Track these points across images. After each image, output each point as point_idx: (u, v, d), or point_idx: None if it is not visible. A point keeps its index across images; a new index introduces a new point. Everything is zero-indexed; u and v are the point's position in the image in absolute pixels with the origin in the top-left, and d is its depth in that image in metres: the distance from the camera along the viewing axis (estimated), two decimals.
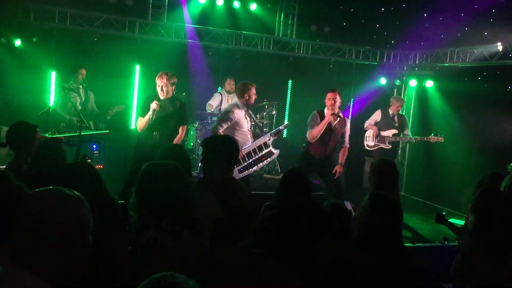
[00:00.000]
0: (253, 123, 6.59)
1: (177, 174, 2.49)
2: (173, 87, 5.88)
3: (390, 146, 8.03)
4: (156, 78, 5.80)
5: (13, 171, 2.99)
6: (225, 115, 6.07)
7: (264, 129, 8.76)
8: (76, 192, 1.63)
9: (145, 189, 2.44)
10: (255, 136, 6.67)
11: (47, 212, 1.53)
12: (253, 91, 6.25)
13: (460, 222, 7.16)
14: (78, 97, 7.51)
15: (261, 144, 6.42)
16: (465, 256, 2.96)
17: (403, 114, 8.87)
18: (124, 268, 2.30)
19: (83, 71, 7.55)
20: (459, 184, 8.70)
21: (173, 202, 2.38)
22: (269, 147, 6.48)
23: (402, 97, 10.21)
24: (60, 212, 1.55)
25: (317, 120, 6.45)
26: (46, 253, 1.52)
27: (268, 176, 8.58)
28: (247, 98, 6.17)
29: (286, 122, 7.25)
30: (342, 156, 6.54)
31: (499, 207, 3.03)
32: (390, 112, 8.14)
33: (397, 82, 9.92)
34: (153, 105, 5.64)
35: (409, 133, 8.24)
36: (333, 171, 6.34)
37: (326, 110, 6.44)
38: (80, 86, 7.54)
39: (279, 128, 6.68)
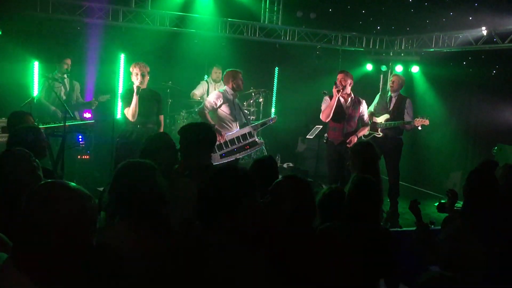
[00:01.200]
0: (239, 110, 6.61)
1: (151, 175, 2.42)
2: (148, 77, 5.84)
3: (381, 134, 7.04)
4: (134, 67, 5.73)
5: None
6: (213, 99, 6.19)
7: (252, 117, 8.77)
8: (82, 188, 1.58)
9: (117, 188, 2.38)
10: (240, 124, 6.70)
11: (51, 206, 1.48)
12: (240, 77, 6.35)
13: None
14: (62, 87, 7.41)
15: (245, 133, 6.46)
16: (450, 238, 2.99)
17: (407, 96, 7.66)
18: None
19: (68, 61, 7.44)
20: (445, 168, 8.81)
21: (142, 203, 2.32)
22: (254, 137, 6.54)
23: (389, 82, 10.22)
24: (64, 206, 1.50)
25: (328, 100, 6.51)
26: (43, 252, 1.47)
27: (251, 150, 8.54)
28: (234, 84, 6.28)
29: (273, 116, 7.29)
30: (360, 130, 6.57)
31: (487, 190, 3.07)
32: (389, 93, 7.20)
33: (383, 68, 9.94)
34: (137, 83, 5.62)
35: (412, 119, 7.02)
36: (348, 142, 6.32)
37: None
38: (65, 76, 7.43)
39: (265, 122, 6.79)
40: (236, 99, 6.46)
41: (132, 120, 5.69)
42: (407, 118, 7.02)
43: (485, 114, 8.24)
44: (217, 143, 6.35)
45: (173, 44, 8.86)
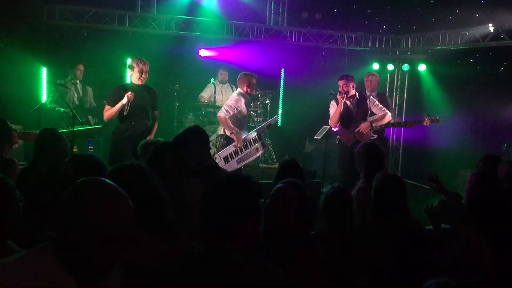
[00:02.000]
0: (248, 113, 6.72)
1: (145, 178, 2.33)
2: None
3: (376, 136, 6.54)
4: (137, 63, 5.73)
5: None
6: (234, 103, 6.28)
7: (259, 119, 8.79)
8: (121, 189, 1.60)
9: None
10: (247, 128, 6.84)
11: (104, 201, 1.51)
12: (254, 81, 6.46)
13: None
14: (75, 93, 7.51)
15: (255, 136, 6.53)
16: (457, 243, 2.97)
17: (384, 93, 8.13)
18: None
19: (81, 67, 7.57)
20: (454, 167, 8.74)
21: (139, 208, 2.27)
22: (262, 139, 6.60)
23: (395, 82, 10.21)
24: (116, 202, 1.53)
25: (334, 106, 6.56)
26: (85, 247, 1.49)
27: (264, 165, 8.58)
28: (249, 88, 6.38)
29: (275, 116, 7.38)
30: (377, 120, 6.50)
31: (494, 195, 3.04)
32: (367, 93, 7.04)
33: (390, 67, 9.89)
34: (129, 95, 5.55)
35: (395, 114, 7.38)
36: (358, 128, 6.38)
37: None
38: (78, 81, 7.53)
39: (270, 122, 6.86)
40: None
41: (105, 120, 5.78)
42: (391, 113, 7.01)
43: (493, 111, 8.17)
44: (234, 148, 6.41)
45: (179, 48, 8.89)
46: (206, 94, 8.63)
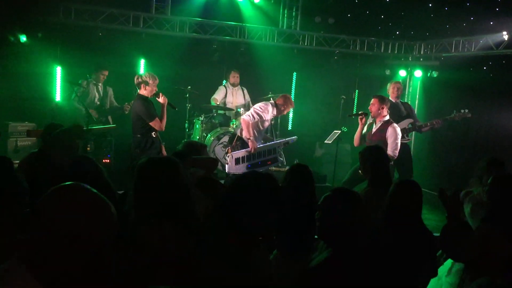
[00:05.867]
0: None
1: (176, 170, 2.42)
2: None
3: (409, 139, 7.21)
4: (152, 79, 5.93)
5: None
6: (262, 111, 6.48)
7: (276, 132, 8.88)
8: (101, 195, 1.52)
9: (143, 185, 2.37)
10: (265, 139, 6.97)
11: (74, 207, 1.42)
12: (290, 108, 6.90)
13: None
14: (96, 93, 7.64)
15: (272, 149, 6.66)
16: (478, 243, 2.96)
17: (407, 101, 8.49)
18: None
19: (106, 73, 7.70)
20: (466, 175, 8.67)
21: (171, 200, 2.32)
22: (276, 153, 6.69)
23: (407, 88, 10.18)
24: (82, 209, 1.43)
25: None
26: (54, 254, 1.40)
27: (274, 168, 8.59)
28: (282, 109, 6.72)
29: (295, 137, 7.50)
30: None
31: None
32: (393, 101, 7.21)
33: (402, 73, 9.87)
34: (161, 99, 5.88)
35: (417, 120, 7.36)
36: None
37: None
38: (99, 83, 7.68)
39: (288, 141, 7.04)
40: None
41: (164, 129, 6.00)
42: (415, 119, 7.32)
43: (506, 120, 8.12)
44: (247, 154, 6.48)
45: (192, 50, 8.95)
46: (218, 97, 8.68)
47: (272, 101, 6.79)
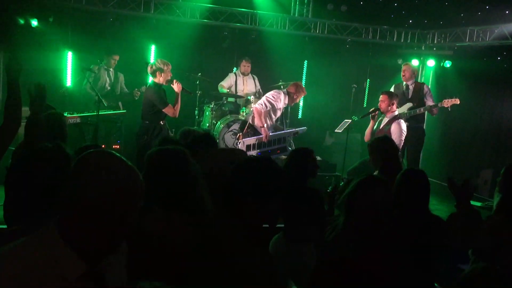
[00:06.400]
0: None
1: (185, 161, 2.42)
2: None
3: (407, 124, 6.99)
4: (167, 66, 5.94)
5: None
6: (274, 100, 6.51)
7: (286, 120, 8.85)
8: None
9: (152, 175, 2.34)
10: (276, 128, 7.01)
11: (109, 173, 1.40)
12: (302, 96, 6.98)
13: (476, 204, 7.12)
14: (107, 79, 7.66)
15: (281, 138, 6.68)
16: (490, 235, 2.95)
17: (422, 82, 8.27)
18: None
19: (116, 57, 7.70)
20: (477, 166, 8.62)
21: (179, 191, 2.32)
22: (286, 143, 6.71)
23: (420, 78, 10.08)
24: (123, 174, 1.43)
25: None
26: (89, 223, 1.39)
27: (284, 156, 8.57)
28: (295, 97, 6.80)
29: (304, 127, 7.55)
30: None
31: None
32: (404, 83, 7.42)
33: (415, 62, 9.75)
34: (176, 86, 5.97)
35: (433, 102, 7.34)
36: None
37: None
38: (111, 69, 7.69)
39: (297, 131, 7.29)
40: None
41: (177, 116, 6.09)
42: (429, 103, 7.25)
43: None
44: (257, 141, 6.51)
45: (203, 36, 8.91)
46: (226, 84, 8.66)
47: (284, 89, 6.77)
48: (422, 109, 7.15)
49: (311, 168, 3.67)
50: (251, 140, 6.54)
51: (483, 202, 7.48)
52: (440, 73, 9.67)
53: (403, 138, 6.05)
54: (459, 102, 7.05)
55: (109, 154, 1.48)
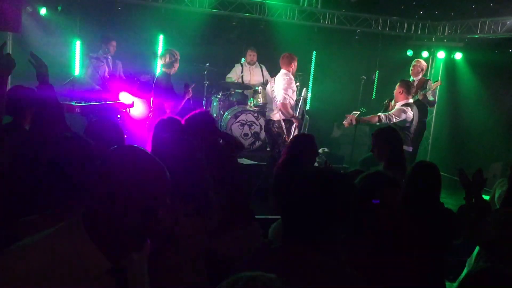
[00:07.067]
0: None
1: (192, 153, 2.38)
2: None
3: None
4: (177, 56, 5.87)
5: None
6: (289, 85, 6.39)
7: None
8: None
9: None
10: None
11: (135, 167, 1.39)
12: (296, 61, 6.64)
13: (485, 197, 7.05)
14: (106, 67, 7.59)
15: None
16: (498, 227, 2.91)
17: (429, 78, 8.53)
18: None
19: (114, 43, 7.62)
20: (487, 159, 8.54)
21: (186, 182, 2.26)
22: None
23: (429, 69, 9.99)
24: (149, 169, 1.41)
25: None
26: (115, 219, 1.38)
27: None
28: (293, 67, 6.57)
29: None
30: (367, 118, 6.46)
31: None
32: (411, 78, 7.65)
33: (425, 54, 9.65)
34: (189, 93, 5.97)
35: (436, 99, 7.83)
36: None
37: None
38: (109, 56, 7.61)
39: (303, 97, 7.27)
40: None
41: None
42: (429, 98, 7.55)
43: None
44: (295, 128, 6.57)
45: (211, 26, 8.86)
46: (233, 75, 8.63)
47: (283, 71, 6.64)
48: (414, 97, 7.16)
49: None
50: (294, 131, 6.59)
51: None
52: (450, 65, 9.56)
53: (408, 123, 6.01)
54: (440, 83, 7.66)
55: (135, 149, 1.47)
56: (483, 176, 3.07)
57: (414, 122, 6.00)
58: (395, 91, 6.17)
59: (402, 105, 6.00)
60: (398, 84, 6.20)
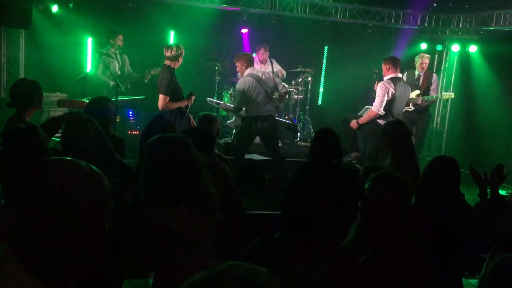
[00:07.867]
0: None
1: (188, 150, 2.28)
2: None
3: (413, 108, 7.63)
4: (182, 50, 5.82)
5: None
6: (269, 76, 6.50)
7: (300, 96, 8.86)
8: (94, 167, 1.30)
9: (154, 165, 2.24)
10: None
11: (63, 185, 1.22)
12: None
13: (502, 193, 6.94)
14: (116, 63, 7.60)
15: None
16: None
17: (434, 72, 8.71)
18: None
19: (121, 37, 7.61)
20: (503, 154, 8.39)
21: (184, 182, 2.19)
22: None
23: (444, 63, 9.86)
24: (79, 186, 1.23)
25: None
26: (50, 242, 1.20)
27: (303, 143, 8.51)
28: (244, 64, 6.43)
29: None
30: (364, 116, 6.68)
31: None
32: (416, 72, 7.95)
33: (438, 47, 9.51)
34: (192, 99, 5.86)
35: (438, 93, 8.07)
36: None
37: None
38: (117, 51, 7.61)
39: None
40: None
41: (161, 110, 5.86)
42: (433, 92, 7.79)
43: None
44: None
45: (222, 22, 8.82)
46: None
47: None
48: (427, 98, 7.67)
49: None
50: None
51: (508, 191, 7.30)
52: (465, 58, 9.41)
53: (385, 98, 6.26)
54: (453, 96, 8.10)
55: (69, 162, 1.29)
56: (503, 172, 3.00)
57: (398, 97, 6.29)
58: (383, 72, 6.50)
59: (387, 79, 6.28)
60: (383, 62, 6.48)
